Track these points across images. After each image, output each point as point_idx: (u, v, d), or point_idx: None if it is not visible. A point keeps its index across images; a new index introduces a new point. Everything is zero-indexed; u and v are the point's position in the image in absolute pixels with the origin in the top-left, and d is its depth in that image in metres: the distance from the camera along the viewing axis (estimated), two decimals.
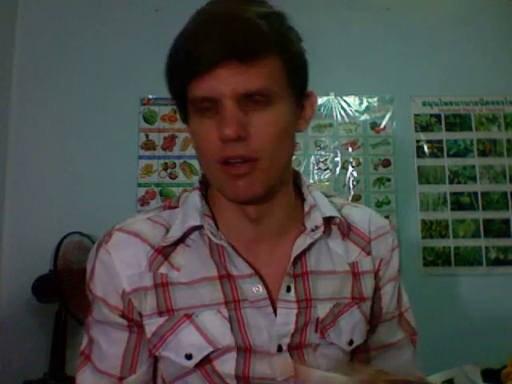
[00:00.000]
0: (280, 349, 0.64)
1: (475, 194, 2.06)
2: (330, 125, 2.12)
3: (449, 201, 2.06)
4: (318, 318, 0.67)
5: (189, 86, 0.59)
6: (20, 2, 2.12)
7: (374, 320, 0.75)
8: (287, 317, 0.65)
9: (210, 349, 0.63)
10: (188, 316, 0.64)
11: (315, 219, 0.68)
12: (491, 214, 2.04)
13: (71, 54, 2.11)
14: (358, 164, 2.10)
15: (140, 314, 0.65)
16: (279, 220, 0.68)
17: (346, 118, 2.12)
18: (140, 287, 0.65)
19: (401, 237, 2.05)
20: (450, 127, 2.10)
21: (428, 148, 2.09)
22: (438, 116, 2.11)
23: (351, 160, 2.10)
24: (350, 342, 0.70)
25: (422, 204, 2.06)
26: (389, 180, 2.08)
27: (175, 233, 0.66)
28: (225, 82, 0.57)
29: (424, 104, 2.12)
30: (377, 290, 0.75)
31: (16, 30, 2.11)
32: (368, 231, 0.74)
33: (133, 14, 2.12)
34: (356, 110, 2.13)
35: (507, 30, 2.13)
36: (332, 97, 2.13)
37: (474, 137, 2.10)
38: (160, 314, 0.64)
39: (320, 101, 2.13)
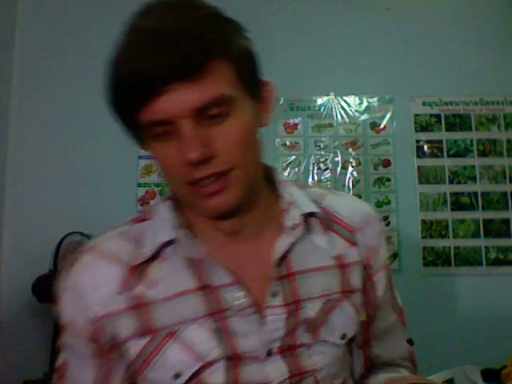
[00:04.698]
0: (270, 353, 0.62)
1: (475, 193, 2.06)
2: (330, 125, 2.13)
3: (449, 201, 2.06)
4: (308, 318, 0.65)
5: (138, 112, 0.54)
6: (20, 1, 2.12)
7: (371, 310, 0.73)
8: (276, 323, 0.62)
9: (199, 364, 0.60)
10: (172, 334, 0.60)
11: (294, 217, 0.65)
12: (491, 214, 2.04)
13: (71, 54, 2.11)
14: (358, 164, 2.10)
15: (114, 339, 0.61)
16: (257, 223, 0.66)
17: (346, 118, 2.12)
18: (113, 311, 0.61)
19: (401, 237, 2.05)
20: (450, 127, 2.11)
21: (428, 148, 2.09)
22: (438, 116, 2.11)
23: (351, 160, 2.10)
24: (343, 336, 0.67)
25: (421, 204, 2.06)
26: (389, 180, 2.08)
27: (148, 249, 0.62)
28: (176, 102, 0.52)
29: (424, 104, 2.12)
30: (368, 279, 0.72)
31: (16, 30, 2.11)
32: (352, 221, 0.71)
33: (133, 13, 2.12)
34: (356, 110, 2.13)
35: (507, 30, 2.14)
36: (332, 97, 2.13)
37: (474, 137, 2.10)
38: (142, 335, 0.60)
39: (320, 101, 2.14)
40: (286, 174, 2.09)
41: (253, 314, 0.61)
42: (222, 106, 0.55)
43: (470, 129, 2.10)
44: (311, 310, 0.65)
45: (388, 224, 2.05)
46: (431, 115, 2.11)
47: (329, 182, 2.09)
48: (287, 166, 2.10)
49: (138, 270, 0.62)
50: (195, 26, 0.53)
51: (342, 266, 0.68)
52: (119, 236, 0.65)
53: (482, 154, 2.08)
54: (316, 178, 2.09)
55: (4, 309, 1.95)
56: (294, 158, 2.11)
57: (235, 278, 0.61)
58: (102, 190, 2.01)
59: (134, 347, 0.61)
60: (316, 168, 2.10)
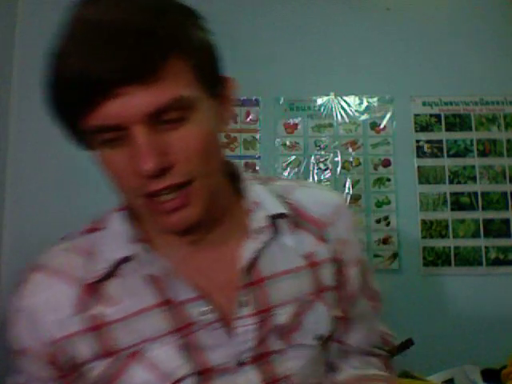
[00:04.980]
0: (242, 364, 0.59)
1: (475, 193, 2.06)
2: (330, 125, 2.12)
3: (449, 201, 2.06)
4: (278, 325, 0.61)
5: (84, 116, 0.48)
6: (20, 1, 2.12)
7: (345, 305, 0.70)
8: (246, 334, 0.59)
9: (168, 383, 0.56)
10: (135, 354, 0.56)
11: (259, 219, 0.61)
12: (491, 214, 2.04)
13: None
14: (358, 164, 2.10)
15: (73, 360, 0.57)
16: (221, 228, 0.61)
17: (346, 118, 2.12)
18: (70, 333, 0.56)
19: (401, 237, 2.05)
20: (450, 127, 2.10)
21: (428, 148, 2.09)
22: (438, 116, 2.11)
23: (351, 160, 2.10)
24: (319, 337, 0.64)
25: (421, 204, 2.06)
26: (389, 180, 2.08)
27: (102, 266, 0.57)
28: (128, 106, 0.46)
29: (424, 104, 2.12)
30: (341, 274, 0.68)
31: (16, 30, 2.11)
32: (323, 215, 0.67)
33: None
34: (356, 110, 2.12)
35: (507, 29, 2.13)
36: (332, 97, 2.13)
37: (474, 137, 2.09)
38: (102, 357, 0.56)
39: (320, 101, 2.14)
40: (285, 174, 2.09)
41: (220, 328, 0.58)
42: (180, 109, 0.49)
43: (470, 129, 2.10)
44: (282, 315, 0.61)
45: (388, 224, 2.06)
46: (431, 115, 2.11)
47: (329, 182, 2.09)
48: (287, 165, 2.10)
49: (94, 288, 0.57)
50: (146, 18, 0.46)
51: (313, 265, 0.65)
52: (70, 250, 0.60)
53: (482, 154, 2.08)
54: (316, 178, 2.09)
55: (4, 309, 1.95)
56: (293, 157, 2.11)
57: (200, 293, 0.57)
58: (101, 190, 2.00)
59: (96, 369, 0.57)
60: (316, 168, 2.10)
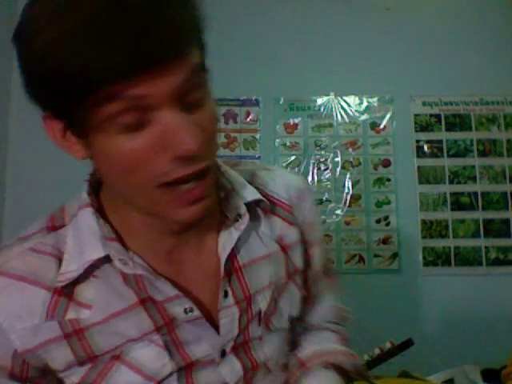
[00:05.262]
0: (224, 354, 0.59)
1: (475, 193, 2.06)
2: (330, 125, 2.13)
3: (449, 201, 2.06)
4: (260, 312, 0.62)
5: (99, 101, 0.43)
6: (20, 1, 2.12)
7: (308, 284, 0.71)
8: (229, 324, 0.59)
9: (154, 382, 0.55)
10: (116, 357, 0.54)
11: (236, 206, 0.60)
12: (491, 214, 2.05)
13: None
14: (358, 164, 2.10)
15: (45, 368, 0.54)
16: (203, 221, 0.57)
17: (346, 118, 2.12)
18: (41, 342, 0.52)
19: (401, 237, 2.05)
20: (450, 127, 2.11)
21: (428, 148, 2.10)
22: (437, 116, 2.11)
23: (351, 160, 2.10)
24: (292, 319, 0.66)
25: (421, 204, 2.06)
26: (389, 180, 2.08)
27: (72, 267, 0.53)
28: (155, 86, 0.43)
29: (424, 104, 2.12)
30: (306, 255, 0.69)
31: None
32: (288, 198, 0.67)
33: None
34: (356, 110, 2.13)
35: (507, 30, 2.14)
36: (332, 97, 2.13)
37: (474, 137, 2.10)
38: (81, 363, 0.53)
39: (320, 101, 2.14)
40: None
41: (204, 322, 0.57)
42: (200, 89, 0.48)
43: (470, 129, 2.10)
44: (262, 302, 0.62)
45: (388, 224, 2.06)
46: (431, 115, 2.11)
47: (329, 182, 2.09)
48: (287, 166, 2.10)
49: (65, 291, 0.53)
50: (179, 7, 0.45)
51: (285, 248, 0.66)
52: (31, 251, 0.55)
53: (482, 154, 2.08)
54: (316, 177, 2.09)
55: None
56: (293, 158, 2.11)
57: (180, 291, 0.55)
58: None
59: (73, 376, 0.54)
60: (316, 168, 2.10)
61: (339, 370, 0.69)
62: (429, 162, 2.09)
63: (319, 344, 0.73)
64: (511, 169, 2.07)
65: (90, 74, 0.41)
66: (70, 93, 0.43)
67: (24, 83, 0.46)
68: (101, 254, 0.52)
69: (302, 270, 0.68)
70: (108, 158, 0.47)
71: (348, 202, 2.07)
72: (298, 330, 0.74)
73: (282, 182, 0.68)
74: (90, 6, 0.41)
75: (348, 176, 2.09)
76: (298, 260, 0.68)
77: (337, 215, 2.07)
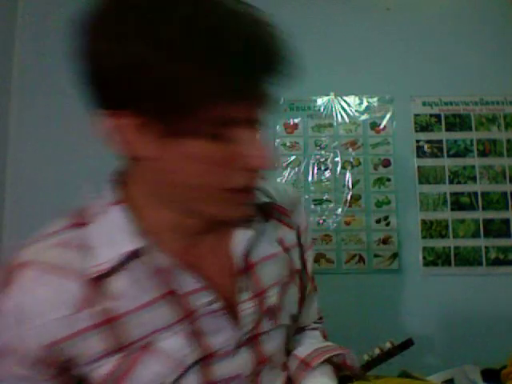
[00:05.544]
0: (238, 346, 0.62)
1: (475, 193, 2.06)
2: (330, 125, 2.13)
3: (449, 201, 2.06)
4: (271, 306, 0.66)
5: (233, 103, 0.49)
6: (20, 1, 2.12)
7: (303, 286, 0.77)
8: (247, 317, 0.63)
9: (179, 372, 0.58)
10: (146, 346, 0.57)
11: (250, 208, 0.65)
12: (491, 214, 2.04)
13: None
14: (358, 164, 2.10)
15: (70, 361, 0.55)
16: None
17: (346, 118, 2.12)
18: (77, 331, 0.54)
19: (401, 237, 2.05)
20: (450, 127, 2.10)
21: (428, 148, 2.09)
22: (437, 116, 2.11)
23: (351, 160, 2.10)
24: (292, 317, 0.71)
25: (421, 204, 2.06)
26: (389, 180, 2.08)
27: (105, 259, 0.55)
28: (256, 109, 0.51)
29: (424, 104, 2.12)
30: (303, 258, 0.76)
31: (16, 30, 2.11)
32: (285, 204, 0.74)
33: None
34: (356, 110, 2.13)
35: (507, 29, 2.14)
36: (332, 97, 2.13)
37: (474, 137, 2.10)
38: (113, 352, 0.55)
39: (320, 101, 2.14)
40: (285, 174, 2.09)
41: (225, 314, 0.60)
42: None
43: (470, 129, 2.10)
44: (272, 298, 0.67)
45: (388, 224, 2.06)
46: (431, 115, 2.11)
47: (329, 182, 2.09)
48: (287, 166, 2.10)
49: (97, 282, 0.55)
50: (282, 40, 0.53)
51: (286, 250, 0.71)
52: (60, 245, 0.57)
53: (482, 154, 2.08)
54: (316, 178, 2.09)
55: None
56: (293, 158, 2.11)
57: (204, 283, 0.59)
58: (101, 190, 2.00)
59: (105, 366, 0.56)
60: (316, 168, 2.10)
61: (341, 365, 0.75)
62: (429, 162, 2.09)
63: (316, 344, 0.80)
64: (511, 169, 2.07)
65: (212, 94, 0.46)
66: (180, 103, 0.47)
67: (94, 80, 0.52)
68: (132, 247, 0.55)
69: (299, 271, 0.74)
70: (189, 160, 0.51)
71: (348, 201, 2.07)
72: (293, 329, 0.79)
73: (280, 190, 0.75)
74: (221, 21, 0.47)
75: (348, 176, 2.09)
76: (296, 262, 0.73)
77: (337, 215, 2.07)
